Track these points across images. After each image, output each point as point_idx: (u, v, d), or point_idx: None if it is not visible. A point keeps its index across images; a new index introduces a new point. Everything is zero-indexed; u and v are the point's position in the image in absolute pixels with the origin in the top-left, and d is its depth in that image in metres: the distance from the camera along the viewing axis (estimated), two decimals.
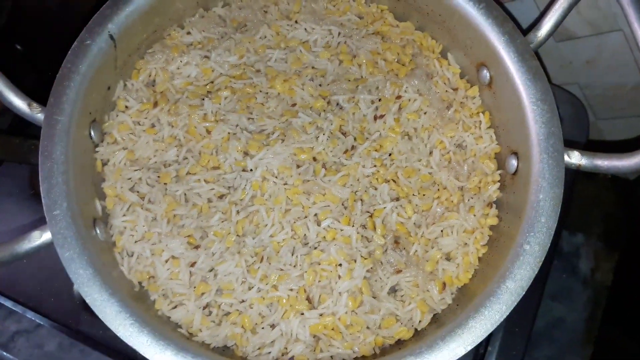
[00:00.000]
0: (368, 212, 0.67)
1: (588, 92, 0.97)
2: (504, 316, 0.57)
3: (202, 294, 0.64)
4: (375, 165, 0.68)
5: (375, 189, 0.68)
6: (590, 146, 0.81)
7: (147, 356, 0.55)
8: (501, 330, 0.79)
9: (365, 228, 0.66)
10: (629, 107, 0.95)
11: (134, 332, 0.55)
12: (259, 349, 0.63)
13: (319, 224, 0.66)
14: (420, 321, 0.64)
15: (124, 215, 0.66)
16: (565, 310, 1.07)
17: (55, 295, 0.78)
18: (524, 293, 0.58)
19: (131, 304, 0.58)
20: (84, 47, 0.66)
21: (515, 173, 0.67)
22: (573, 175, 0.85)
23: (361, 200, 0.67)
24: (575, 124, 0.88)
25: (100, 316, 0.56)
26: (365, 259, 0.64)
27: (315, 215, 0.66)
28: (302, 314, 0.63)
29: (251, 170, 0.67)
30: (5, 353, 0.73)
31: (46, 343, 0.75)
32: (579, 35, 0.87)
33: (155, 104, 0.70)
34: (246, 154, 0.68)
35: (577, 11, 0.82)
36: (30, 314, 0.76)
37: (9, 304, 0.76)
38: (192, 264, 0.65)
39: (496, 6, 0.69)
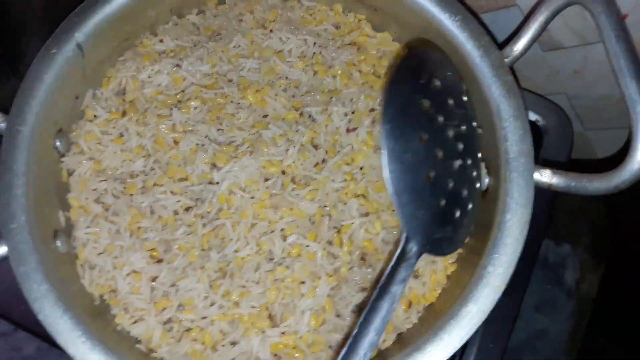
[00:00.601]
0: (335, 227, 0.66)
1: (576, 103, 0.96)
2: (464, 341, 0.56)
3: (163, 309, 0.63)
4: (345, 180, 0.67)
5: (345, 204, 0.67)
6: (574, 162, 0.80)
7: None
8: (475, 346, 0.78)
9: (332, 244, 0.65)
10: (617, 117, 0.94)
11: (85, 349, 0.55)
12: None
13: (285, 240, 0.65)
14: (384, 340, 0.63)
15: (88, 227, 0.65)
16: (549, 321, 1.06)
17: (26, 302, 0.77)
18: (486, 317, 0.57)
19: (87, 320, 0.57)
20: (49, 56, 0.65)
21: (486, 190, 0.66)
22: None
23: (329, 215, 0.66)
24: (559, 136, 0.86)
25: (52, 334, 0.55)
26: (330, 276, 0.63)
27: (282, 230, 0.65)
28: (264, 332, 0.62)
29: (218, 183, 0.66)
30: None
31: (24, 346, 0.74)
32: (566, 45, 0.86)
33: (124, 114, 0.69)
34: (214, 165, 0.67)
35: (563, 22, 0.80)
36: None
37: None
38: (154, 279, 0.64)
39: (472, 19, 0.67)
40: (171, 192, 0.66)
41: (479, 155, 0.66)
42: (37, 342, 0.74)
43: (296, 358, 0.62)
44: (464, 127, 0.64)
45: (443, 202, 0.59)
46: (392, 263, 0.56)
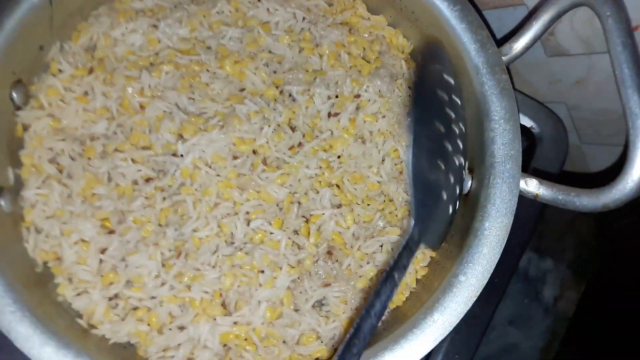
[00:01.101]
0: (304, 217, 0.62)
1: (575, 114, 0.91)
2: (424, 353, 0.52)
3: (110, 283, 0.59)
4: (320, 167, 0.63)
5: (317, 192, 0.63)
6: (565, 175, 0.76)
7: (23, 351, 0.50)
8: (440, 355, 0.74)
9: (298, 234, 0.61)
10: (616, 134, 0.90)
11: (13, 320, 0.50)
12: (163, 350, 0.58)
13: (248, 224, 0.60)
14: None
15: (38, 187, 0.60)
16: (522, 336, 1.03)
17: None
18: (451, 328, 0.53)
19: (21, 288, 0.52)
20: (13, 1, 0.59)
21: (467, 194, 0.62)
22: None
23: (299, 203, 0.62)
24: (553, 146, 0.82)
25: None
26: (293, 267, 0.59)
27: (247, 213, 0.61)
28: (215, 319, 0.58)
29: (182, 155, 0.61)
30: None
31: None
32: (571, 52, 0.81)
33: (91, 71, 0.64)
34: (180, 136, 0.62)
35: (571, 27, 0.76)
36: None
37: None
38: (103, 251, 0.59)
39: (472, 11, 0.63)
40: (132, 160, 0.62)
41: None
42: None
43: (247, 351, 0.58)
44: (462, 127, 0.60)
45: (445, 197, 0.56)
46: (399, 249, 0.52)
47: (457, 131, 0.58)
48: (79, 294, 0.59)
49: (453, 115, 0.58)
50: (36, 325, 0.51)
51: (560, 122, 0.82)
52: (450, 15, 0.63)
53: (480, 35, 0.61)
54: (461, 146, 0.59)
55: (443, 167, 0.55)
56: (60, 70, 0.65)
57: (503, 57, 0.62)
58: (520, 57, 0.64)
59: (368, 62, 0.68)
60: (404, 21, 0.69)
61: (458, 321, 0.53)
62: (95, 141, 0.63)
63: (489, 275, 0.54)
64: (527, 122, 0.77)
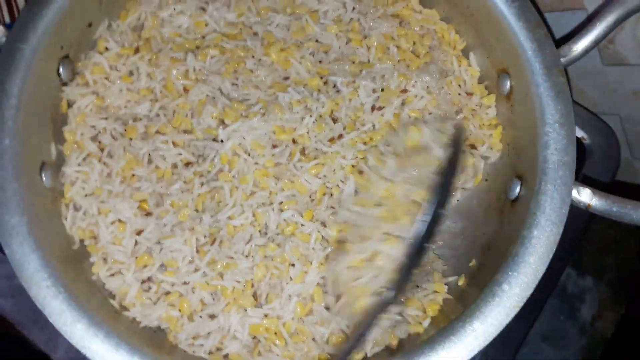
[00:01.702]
0: (333, 207, 0.60)
1: (629, 127, 0.87)
2: None
3: (144, 266, 0.58)
4: (356, 157, 0.61)
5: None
6: (616, 187, 0.72)
7: (55, 326, 0.49)
8: None
9: (325, 227, 0.59)
10: None
11: (48, 295, 0.50)
12: (192, 338, 0.57)
13: (280, 215, 0.59)
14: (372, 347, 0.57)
15: (79, 165, 0.60)
16: (555, 354, 0.99)
17: None
18: (491, 339, 0.50)
19: (56, 264, 0.52)
20: None
21: (515, 200, 0.59)
22: (592, 214, 0.77)
23: (330, 194, 0.60)
24: (604, 159, 0.78)
25: (16, 271, 0.51)
26: (322, 264, 0.57)
27: (280, 203, 0.59)
28: (245, 310, 0.57)
29: (222, 141, 0.60)
30: None
31: (16, 276, 0.71)
32: (631, 62, 0.77)
33: (137, 50, 0.64)
34: (222, 122, 0.61)
35: (633, 34, 0.72)
36: None
37: None
38: (139, 232, 0.59)
39: (531, 8, 0.60)
40: (173, 143, 0.61)
41: None
42: None
43: (276, 345, 0.57)
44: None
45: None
46: None
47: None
48: (112, 275, 0.58)
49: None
50: (69, 302, 0.50)
51: (612, 135, 0.78)
52: (507, 11, 0.60)
53: (539, 34, 0.58)
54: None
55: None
56: (106, 48, 0.65)
57: (561, 59, 0.59)
58: (574, 64, 0.61)
59: (417, 56, 0.66)
60: (457, 16, 0.67)
61: (498, 332, 0.50)
62: (137, 122, 0.62)
63: (534, 286, 0.52)
64: (577, 132, 0.73)
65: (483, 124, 0.65)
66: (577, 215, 0.55)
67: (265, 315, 0.57)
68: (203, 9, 0.66)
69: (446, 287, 0.60)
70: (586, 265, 1.01)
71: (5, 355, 0.92)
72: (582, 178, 0.71)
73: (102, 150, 0.61)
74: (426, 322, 0.58)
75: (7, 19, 0.75)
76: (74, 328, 0.50)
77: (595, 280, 1.01)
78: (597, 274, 1.01)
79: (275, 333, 0.57)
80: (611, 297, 1.00)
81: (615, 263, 1.01)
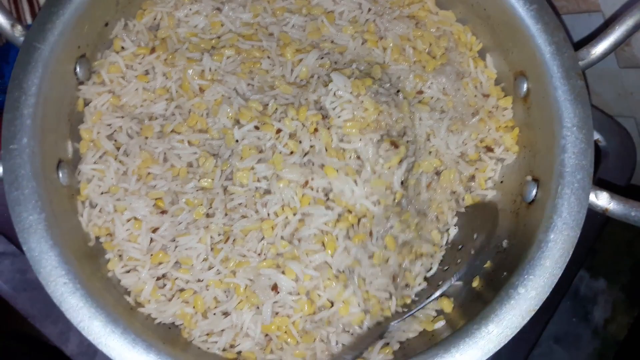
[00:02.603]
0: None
1: None
2: None
3: (159, 263, 0.59)
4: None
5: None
6: (632, 191, 0.72)
7: (73, 322, 0.50)
8: None
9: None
10: None
11: (66, 292, 0.50)
12: (206, 335, 0.58)
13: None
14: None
15: (95, 162, 0.61)
16: (567, 356, 0.98)
17: None
18: (506, 342, 0.50)
19: (74, 260, 0.52)
20: None
21: (531, 202, 0.59)
22: (607, 218, 0.76)
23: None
24: (619, 162, 0.77)
25: (34, 268, 0.51)
26: (337, 277, 0.57)
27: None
28: (257, 307, 0.57)
29: (237, 141, 0.60)
30: None
31: (29, 270, 0.72)
32: None
33: (153, 50, 0.64)
34: (237, 122, 0.61)
35: None
36: None
37: None
38: (154, 230, 0.59)
39: (549, 11, 0.60)
40: (189, 142, 0.62)
41: None
42: None
43: (287, 344, 0.57)
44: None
45: None
46: None
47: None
48: (128, 271, 0.59)
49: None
50: (86, 298, 0.51)
51: (628, 137, 0.78)
52: (525, 14, 0.60)
53: (557, 37, 0.58)
54: None
55: None
56: (122, 48, 0.65)
57: (580, 62, 0.58)
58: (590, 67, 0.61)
59: (433, 58, 0.66)
60: (474, 18, 0.66)
61: (514, 334, 0.50)
62: (153, 121, 0.63)
63: (550, 290, 0.51)
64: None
65: (499, 126, 0.64)
66: (592, 218, 0.55)
67: (277, 314, 0.57)
68: (219, 9, 0.66)
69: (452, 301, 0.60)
70: (599, 268, 1.00)
71: (18, 350, 0.93)
72: (597, 181, 0.70)
73: (118, 148, 0.62)
74: (439, 324, 0.58)
75: (29, 19, 0.76)
76: (92, 324, 0.50)
77: (609, 283, 1.00)
78: (610, 276, 1.00)
79: (286, 332, 0.57)
80: (624, 300, 0.99)
81: (629, 266, 1.00)
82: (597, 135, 0.74)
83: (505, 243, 0.60)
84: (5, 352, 0.91)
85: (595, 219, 0.66)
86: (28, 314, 0.70)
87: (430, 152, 0.63)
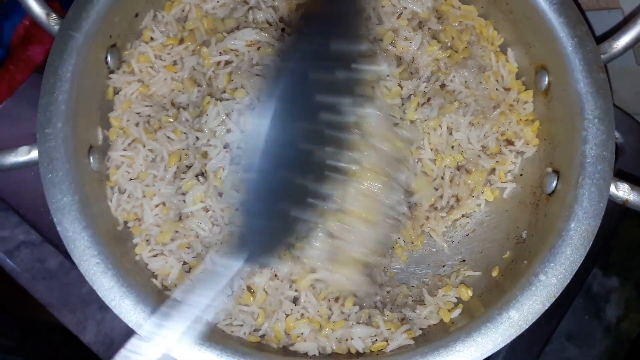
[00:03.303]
0: None
1: None
2: (498, 347, 0.50)
3: (187, 248, 0.60)
4: None
5: None
6: None
7: (104, 300, 0.51)
8: None
9: None
10: None
11: (98, 271, 0.52)
12: (229, 318, 0.59)
13: None
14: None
15: (125, 149, 0.62)
16: (579, 353, 0.99)
17: None
18: (527, 327, 0.51)
19: (105, 242, 0.54)
20: None
21: (552, 194, 0.59)
22: (623, 212, 0.77)
23: None
24: (636, 158, 0.78)
25: (67, 247, 0.53)
26: None
27: None
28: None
29: None
30: (8, 260, 0.73)
31: (48, 259, 0.74)
32: None
33: (181, 41, 0.66)
34: None
35: None
36: None
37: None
38: (182, 216, 0.61)
39: (572, 5, 0.60)
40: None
41: None
42: (61, 258, 0.73)
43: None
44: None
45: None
46: None
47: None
48: (155, 255, 0.60)
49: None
50: (117, 277, 0.52)
51: None
52: (547, 8, 0.61)
53: (580, 30, 0.59)
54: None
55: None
56: (152, 38, 0.67)
57: (602, 56, 0.59)
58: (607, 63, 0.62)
59: (456, 51, 0.67)
60: (496, 12, 0.68)
61: (534, 320, 0.51)
62: (182, 110, 0.64)
63: (570, 278, 0.52)
64: None
65: (520, 120, 0.65)
66: (607, 214, 0.56)
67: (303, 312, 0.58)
68: (245, 2, 0.67)
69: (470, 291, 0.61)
70: (612, 266, 1.00)
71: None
72: (617, 173, 0.71)
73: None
74: (457, 312, 0.59)
75: None
76: (122, 303, 0.51)
77: (622, 280, 1.00)
78: (623, 274, 1.00)
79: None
80: (637, 299, 0.99)
81: None
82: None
83: (524, 234, 0.61)
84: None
85: (611, 216, 0.67)
86: (46, 302, 0.72)
87: (452, 147, 0.64)
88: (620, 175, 0.74)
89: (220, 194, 0.58)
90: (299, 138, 0.43)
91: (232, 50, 0.62)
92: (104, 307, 0.70)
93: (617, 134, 0.75)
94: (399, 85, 0.63)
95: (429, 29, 0.67)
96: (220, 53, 0.62)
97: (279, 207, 0.44)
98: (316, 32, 0.44)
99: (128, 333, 0.69)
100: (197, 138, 0.59)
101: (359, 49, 0.45)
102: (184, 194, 0.60)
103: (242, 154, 0.53)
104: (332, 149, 0.44)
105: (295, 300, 0.59)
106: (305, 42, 0.44)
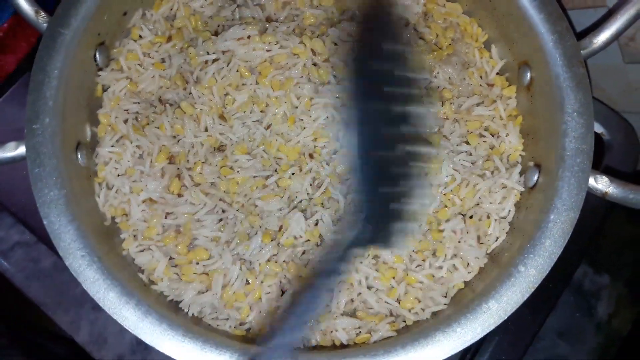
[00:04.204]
0: None
1: None
2: (477, 337, 0.51)
3: (176, 245, 0.61)
4: None
5: None
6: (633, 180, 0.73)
7: (89, 293, 0.52)
8: (487, 354, 0.73)
9: None
10: None
11: (83, 264, 0.53)
12: (216, 312, 0.60)
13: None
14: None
15: (112, 146, 0.63)
16: (571, 350, 0.99)
17: None
18: (506, 317, 0.52)
19: (91, 236, 0.55)
20: None
21: (533, 187, 0.60)
22: (609, 210, 0.77)
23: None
24: (623, 155, 0.79)
25: (53, 241, 0.53)
26: None
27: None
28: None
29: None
30: (3, 261, 0.74)
31: (42, 260, 0.74)
32: None
33: (169, 39, 0.67)
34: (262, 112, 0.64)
35: None
36: None
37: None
38: (170, 211, 0.61)
39: (553, 2, 0.61)
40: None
41: None
42: (55, 258, 0.73)
43: None
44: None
45: (401, 190, 0.49)
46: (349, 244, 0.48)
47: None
48: (142, 250, 0.61)
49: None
50: (103, 271, 0.53)
51: (632, 131, 0.79)
52: (529, 4, 0.61)
53: (560, 26, 0.60)
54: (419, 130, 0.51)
55: (400, 154, 0.49)
56: (140, 36, 0.67)
57: (582, 51, 0.60)
58: (595, 61, 0.62)
59: (440, 48, 0.68)
60: (479, 10, 0.68)
61: (513, 310, 0.52)
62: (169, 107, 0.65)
63: (549, 269, 0.53)
64: (597, 128, 0.74)
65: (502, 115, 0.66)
66: (594, 209, 0.56)
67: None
68: (232, 0, 0.68)
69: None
70: (603, 263, 1.01)
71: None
72: (604, 169, 0.72)
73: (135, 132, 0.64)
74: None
75: None
76: (107, 295, 0.52)
77: (612, 278, 1.01)
78: (613, 271, 1.01)
79: None
80: (628, 296, 1.00)
81: (632, 261, 1.01)
82: (601, 129, 0.76)
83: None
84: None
85: (597, 211, 0.68)
86: (40, 302, 0.72)
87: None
88: (608, 171, 0.75)
89: None
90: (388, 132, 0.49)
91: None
92: (97, 307, 0.71)
93: (604, 131, 0.76)
94: None
95: (415, 29, 0.68)
96: (207, 52, 0.64)
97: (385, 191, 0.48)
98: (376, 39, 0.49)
99: (121, 333, 0.71)
100: None
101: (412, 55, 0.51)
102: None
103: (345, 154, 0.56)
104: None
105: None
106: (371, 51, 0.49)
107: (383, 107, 0.48)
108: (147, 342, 0.51)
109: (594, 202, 0.57)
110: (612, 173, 0.58)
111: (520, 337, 0.75)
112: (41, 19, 0.60)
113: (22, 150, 0.56)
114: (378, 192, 0.48)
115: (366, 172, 0.48)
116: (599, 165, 0.74)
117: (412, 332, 0.53)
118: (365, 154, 0.47)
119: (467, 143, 0.63)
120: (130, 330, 0.51)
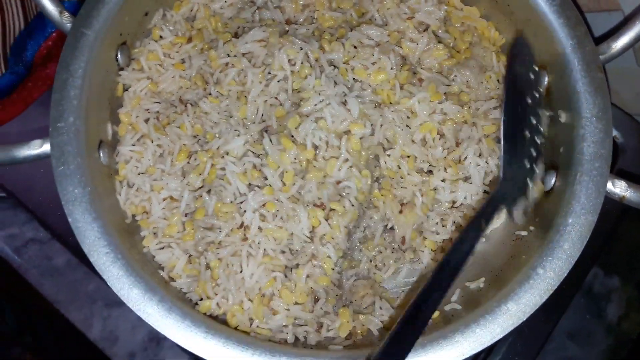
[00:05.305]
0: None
1: None
2: (496, 339, 0.52)
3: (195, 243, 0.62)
4: None
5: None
6: None
7: (113, 289, 0.53)
8: (499, 356, 0.73)
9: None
10: None
11: (107, 261, 0.54)
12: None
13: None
14: None
15: (133, 145, 0.64)
16: (581, 352, 0.99)
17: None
18: (524, 319, 0.52)
19: (114, 233, 0.56)
20: None
21: (550, 190, 0.61)
22: (622, 212, 0.78)
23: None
24: (636, 158, 0.79)
25: (78, 238, 0.54)
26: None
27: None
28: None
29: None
30: (16, 257, 0.75)
31: (55, 257, 0.75)
32: None
33: (189, 40, 0.68)
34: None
35: None
36: None
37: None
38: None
39: (572, 6, 0.62)
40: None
41: None
42: (68, 255, 0.74)
43: None
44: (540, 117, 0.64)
45: (527, 165, 0.60)
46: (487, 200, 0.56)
47: (535, 120, 0.63)
48: (162, 248, 0.62)
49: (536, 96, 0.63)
50: (127, 267, 0.54)
51: None
52: (548, 9, 0.62)
53: (579, 31, 0.60)
54: (541, 129, 0.63)
55: (529, 136, 0.61)
56: (161, 37, 0.68)
57: (600, 56, 0.60)
58: (609, 65, 0.63)
59: (458, 52, 0.68)
60: (497, 14, 0.69)
61: (532, 312, 0.52)
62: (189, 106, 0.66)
63: (567, 271, 0.54)
64: None
65: None
66: (607, 213, 0.57)
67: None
68: (252, 2, 0.69)
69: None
70: (613, 266, 1.01)
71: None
72: (617, 172, 0.72)
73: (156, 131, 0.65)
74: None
75: None
76: (131, 292, 0.53)
77: (623, 280, 1.01)
78: (624, 274, 1.01)
79: None
80: (638, 298, 1.00)
81: None
82: (614, 132, 0.76)
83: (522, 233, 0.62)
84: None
85: (609, 215, 0.68)
86: (54, 299, 0.73)
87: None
88: (621, 174, 0.76)
89: None
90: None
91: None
92: (109, 304, 0.72)
93: (617, 134, 0.76)
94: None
95: (434, 34, 0.69)
96: (228, 55, 0.64)
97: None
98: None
99: (133, 330, 0.71)
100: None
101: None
102: None
103: None
104: None
105: None
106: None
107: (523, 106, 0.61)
108: (170, 338, 0.52)
109: (606, 206, 0.57)
110: (625, 176, 0.58)
111: (533, 339, 0.76)
112: (65, 19, 0.61)
113: (46, 148, 0.57)
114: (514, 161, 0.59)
115: (507, 148, 0.59)
116: (612, 168, 0.75)
117: (431, 332, 0.54)
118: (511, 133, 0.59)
119: None
120: (153, 326, 0.52)
